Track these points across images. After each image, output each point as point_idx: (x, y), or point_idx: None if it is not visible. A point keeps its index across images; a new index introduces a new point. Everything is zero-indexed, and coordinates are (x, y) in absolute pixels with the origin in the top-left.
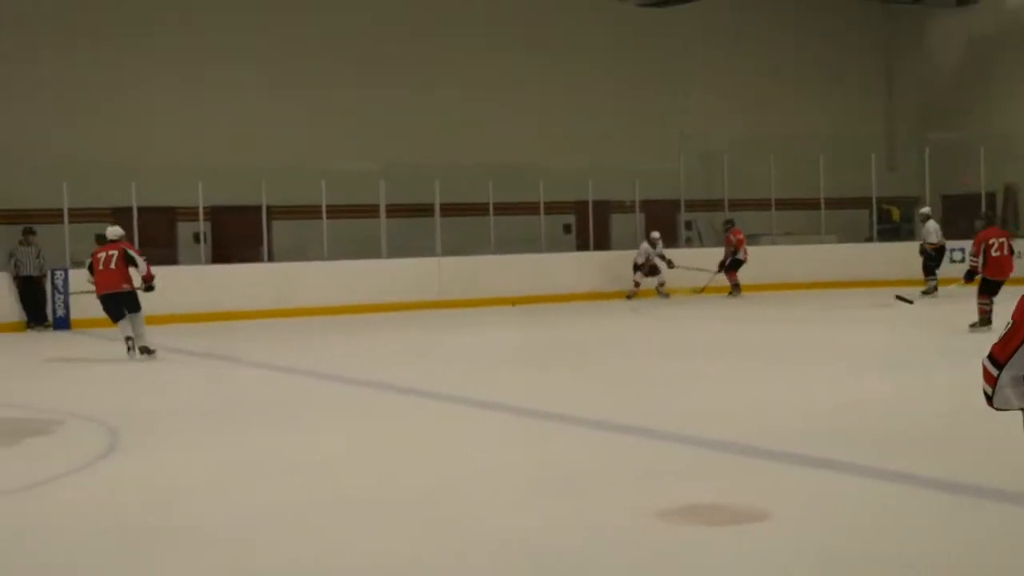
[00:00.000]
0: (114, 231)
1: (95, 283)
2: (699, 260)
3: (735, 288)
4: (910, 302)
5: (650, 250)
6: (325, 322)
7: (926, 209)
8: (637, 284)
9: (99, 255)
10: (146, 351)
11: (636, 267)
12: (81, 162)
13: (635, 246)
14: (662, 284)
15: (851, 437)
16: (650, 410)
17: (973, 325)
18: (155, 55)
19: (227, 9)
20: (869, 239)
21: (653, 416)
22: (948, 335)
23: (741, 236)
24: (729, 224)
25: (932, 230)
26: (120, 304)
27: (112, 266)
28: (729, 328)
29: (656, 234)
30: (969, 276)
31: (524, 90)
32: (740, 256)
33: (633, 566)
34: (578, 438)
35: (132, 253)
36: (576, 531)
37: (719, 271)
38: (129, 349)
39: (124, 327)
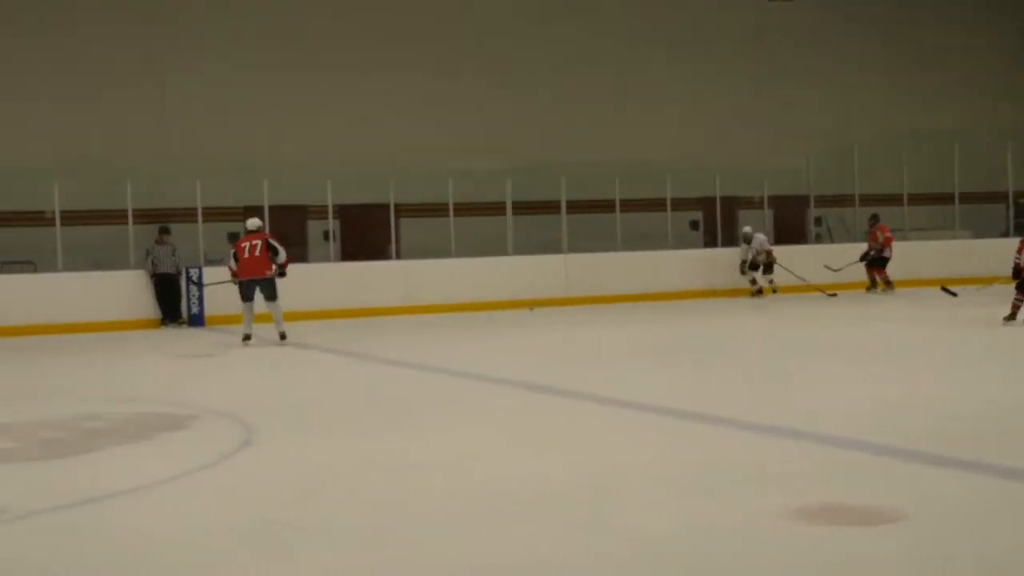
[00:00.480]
0: (254, 222)
1: (238, 270)
2: (831, 257)
3: (888, 285)
4: (954, 294)
5: (760, 243)
6: (452, 319)
7: None
8: (754, 282)
9: (243, 244)
10: (283, 336)
11: (750, 266)
12: (214, 162)
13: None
14: (771, 280)
15: (988, 437)
16: (782, 408)
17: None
18: (285, 58)
19: (357, 10)
20: (1005, 234)
21: (786, 414)
22: None
23: (888, 234)
24: (874, 219)
25: None
26: (257, 289)
27: (256, 254)
28: (856, 326)
29: (748, 228)
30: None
31: (651, 87)
32: (886, 254)
33: (770, 566)
34: (712, 436)
35: (273, 242)
36: (714, 531)
37: (859, 262)
38: (245, 337)
39: (247, 315)
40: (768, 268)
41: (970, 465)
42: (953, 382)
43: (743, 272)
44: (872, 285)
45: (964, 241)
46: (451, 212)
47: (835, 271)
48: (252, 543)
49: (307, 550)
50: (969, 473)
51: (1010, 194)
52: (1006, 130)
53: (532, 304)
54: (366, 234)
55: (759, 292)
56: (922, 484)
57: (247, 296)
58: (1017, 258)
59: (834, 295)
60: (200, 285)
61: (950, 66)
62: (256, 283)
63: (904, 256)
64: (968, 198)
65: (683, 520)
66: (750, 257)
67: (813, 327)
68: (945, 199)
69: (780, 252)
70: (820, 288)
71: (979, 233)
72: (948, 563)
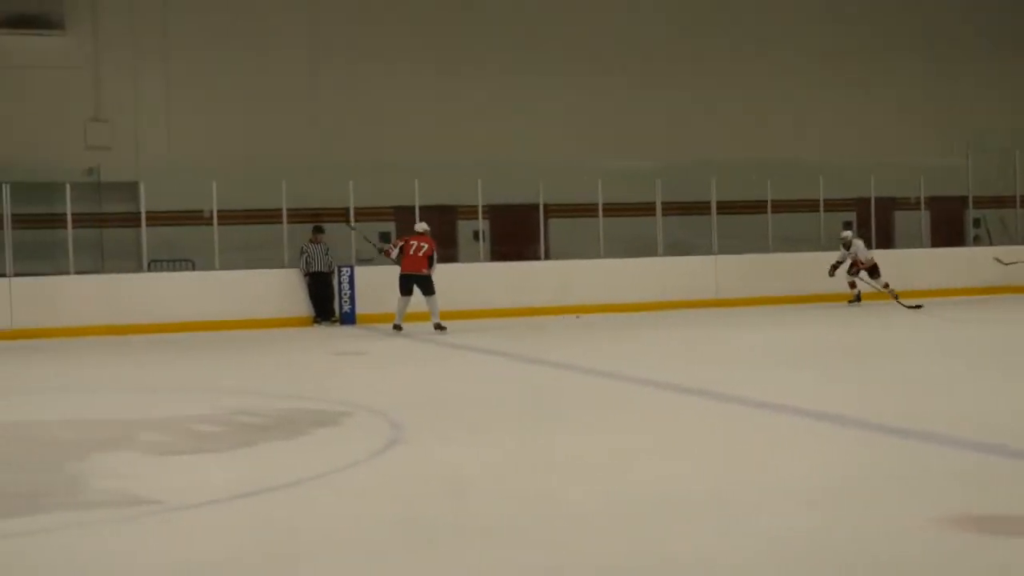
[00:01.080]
0: (422, 225)
1: (402, 264)
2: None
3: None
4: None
5: (857, 249)
6: (601, 320)
7: None
8: (853, 285)
9: (412, 242)
10: (439, 327)
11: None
12: (367, 163)
13: (920, 244)
14: (886, 285)
15: None
16: (925, 412)
17: None
18: (436, 60)
19: (506, 15)
20: None
21: (928, 418)
22: None
23: None
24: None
25: None
26: (414, 284)
27: (420, 254)
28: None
29: (848, 233)
30: None
31: (802, 86)
32: None
33: (919, 574)
34: (857, 440)
35: (434, 255)
36: (862, 536)
37: None
38: (396, 327)
39: (402, 307)
40: (873, 272)
41: None
42: None
43: (831, 274)
44: None
45: None
46: (600, 212)
47: (1006, 265)
48: (403, 540)
49: (457, 548)
50: None
51: None
52: None
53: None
54: (516, 234)
55: (858, 299)
56: None
57: (405, 290)
58: None
59: (919, 306)
60: (352, 289)
61: None
62: (415, 279)
63: None
64: None
65: (831, 524)
66: (849, 262)
67: (966, 330)
68: None
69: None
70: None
71: None
72: None
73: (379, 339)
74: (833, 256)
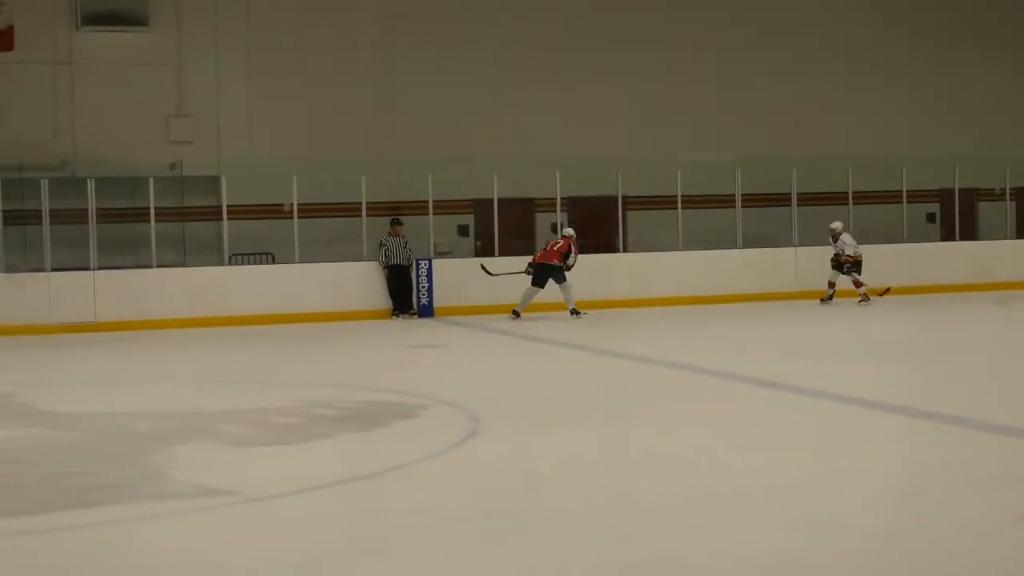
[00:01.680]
0: (569, 230)
1: (536, 257)
2: None
3: None
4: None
5: (844, 243)
6: (682, 312)
7: None
8: (832, 284)
9: (553, 242)
10: (575, 313)
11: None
12: (445, 156)
13: (1005, 236)
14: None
15: None
16: (1010, 407)
17: None
18: (514, 53)
19: (583, 6)
20: None
21: (1013, 414)
22: None
23: None
24: None
25: None
26: (546, 274)
27: (554, 248)
28: None
29: (837, 225)
30: None
31: (884, 78)
32: None
33: (995, 570)
34: (939, 435)
35: (573, 250)
36: (942, 532)
37: None
38: (515, 313)
39: (527, 297)
40: (857, 268)
41: None
42: None
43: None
44: None
45: None
46: (679, 204)
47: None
48: (479, 533)
49: (532, 542)
50: None
51: None
52: None
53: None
54: (594, 226)
55: (831, 297)
56: None
57: (537, 282)
58: None
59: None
60: (430, 282)
61: None
62: (546, 269)
63: None
64: None
65: (910, 520)
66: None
67: None
68: None
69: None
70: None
71: None
72: None
73: (456, 332)
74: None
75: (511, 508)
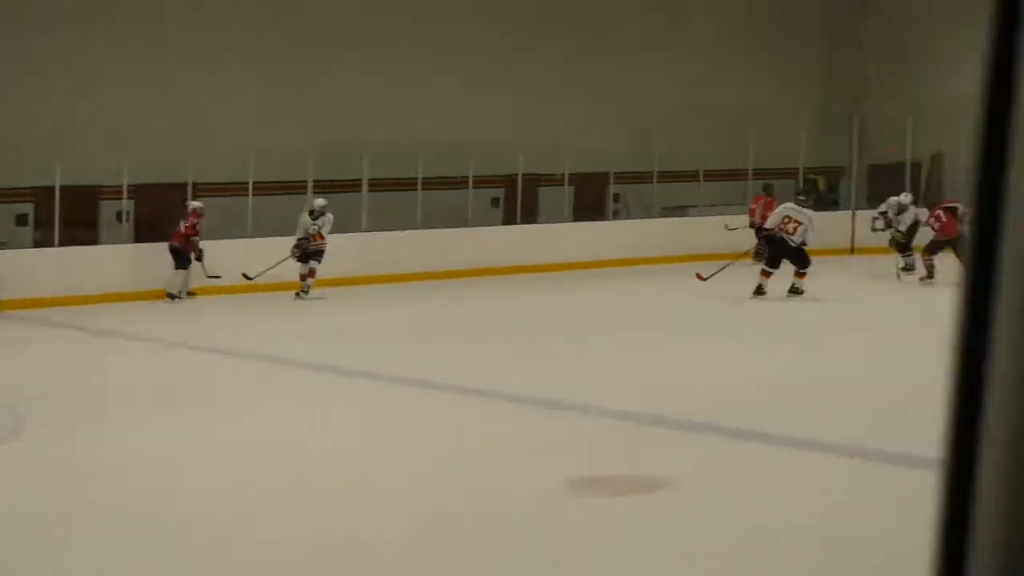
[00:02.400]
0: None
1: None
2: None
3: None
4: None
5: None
6: (249, 299)
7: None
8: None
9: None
10: (172, 296)
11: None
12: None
13: (564, 218)
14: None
15: (752, 408)
16: (565, 384)
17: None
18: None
19: None
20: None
21: (563, 389)
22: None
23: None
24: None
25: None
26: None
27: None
28: (647, 301)
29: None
30: None
31: (452, 64)
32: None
33: (540, 536)
34: (492, 411)
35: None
36: (485, 504)
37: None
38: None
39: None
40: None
41: (747, 434)
42: (730, 357)
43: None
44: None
45: None
46: (251, 191)
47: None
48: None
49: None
50: (748, 443)
51: (801, 170)
52: (806, 107)
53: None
54: (162, 214)
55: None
56: (701, 454)
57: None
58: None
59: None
60: None
61: (746, 44)
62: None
63: (696, 231)
64: (762, 174)
65: (459, 493)
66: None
67: (597, 302)
68: (741, 175)
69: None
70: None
71: None
72: (709, 524)
73: (19, 327)
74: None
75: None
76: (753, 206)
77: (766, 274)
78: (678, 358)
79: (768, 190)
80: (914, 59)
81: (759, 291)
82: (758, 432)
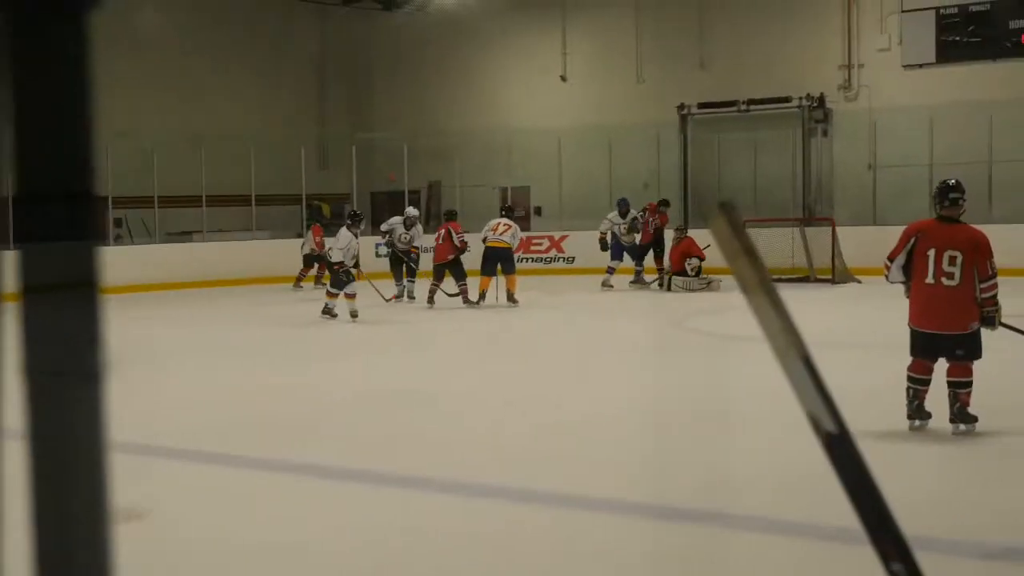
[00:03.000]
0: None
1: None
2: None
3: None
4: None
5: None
6: None
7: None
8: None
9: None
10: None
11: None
12: None
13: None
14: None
15: (254, 429)
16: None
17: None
18: None
19: None
20: (299, 234)
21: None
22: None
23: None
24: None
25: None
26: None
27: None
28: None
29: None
30: None
31: None
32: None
33: None
34: None
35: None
36: None
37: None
38: None
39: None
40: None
41: (220, 458)
42: (241, 373)
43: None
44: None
45: (262, 242)
46: None
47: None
48: None
49: None
50: (219, 467)
51: (303, 196)
52: (304, 135)
53: None
54: None
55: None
56: (169, 478)
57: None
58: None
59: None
60: None
61: (252, 71)
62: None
63: (200, 258)
64: (267, 200)
65: None
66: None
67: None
68: (244, 201)
69: None
70: None
71: (277, 234)
72: (188, 551)
73: None
74: None
75: None
76: (317, 237)
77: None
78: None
79: (317, 216)
80: (409, 95)
81: (327, 311)
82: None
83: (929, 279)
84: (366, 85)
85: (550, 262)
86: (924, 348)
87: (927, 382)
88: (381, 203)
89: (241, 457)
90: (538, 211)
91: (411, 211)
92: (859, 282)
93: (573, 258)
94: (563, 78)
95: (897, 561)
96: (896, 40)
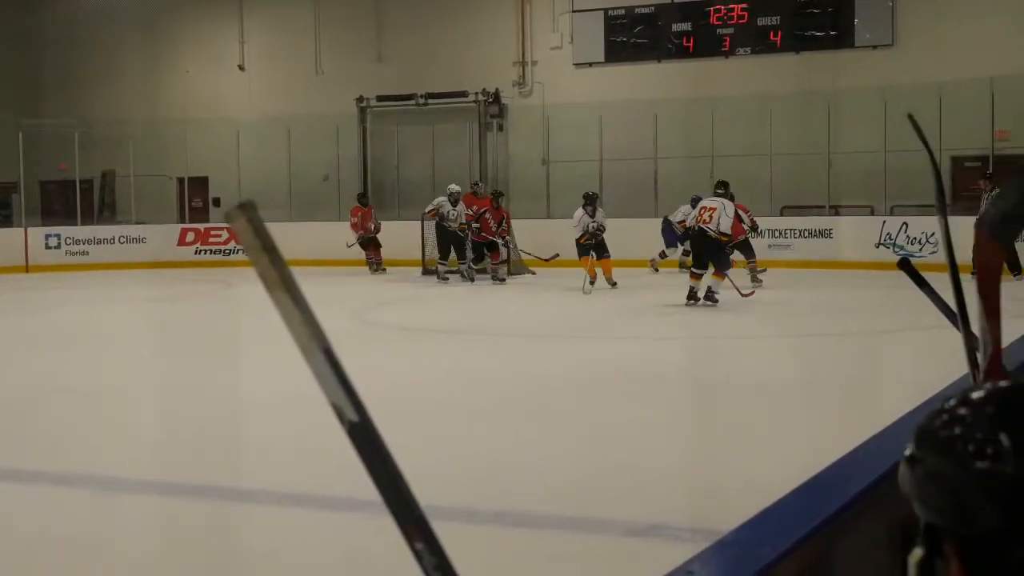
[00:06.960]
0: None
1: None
2: None
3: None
4: None
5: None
6: None
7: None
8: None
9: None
10: None
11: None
12: None
13: None
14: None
15: None
16: None
17: None
18: None
19: None
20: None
21: None
22: None
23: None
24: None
25: None
26: None
27: None
28: None
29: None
30: None
31: None
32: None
33: None
34: None
35: None
36: None
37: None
38: None
39: None
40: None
41: None
42: None
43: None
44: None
45: None
46: None
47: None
48: None
49: None
50: None
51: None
52: None
53: None
54: None
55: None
56: None
57: None
58: None
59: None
60: None
61: None
62: None
63: None
64: None
65: None
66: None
67: None
68: None
69: None
70: None
71: None
72: None
73: None
74: None
75: None
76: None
77: None
78: None
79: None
80: (83, 79)
81: None
82: None
83: None
84: (34, 70)
85: (229, 254)
86: None
87: None
88: (52, 192)
89: None
90: (216, 202)
91: (453, 187)
92: (533, 274)
93: None
94: (241, 67)
95: (420, 541)
96: (568, 39)
